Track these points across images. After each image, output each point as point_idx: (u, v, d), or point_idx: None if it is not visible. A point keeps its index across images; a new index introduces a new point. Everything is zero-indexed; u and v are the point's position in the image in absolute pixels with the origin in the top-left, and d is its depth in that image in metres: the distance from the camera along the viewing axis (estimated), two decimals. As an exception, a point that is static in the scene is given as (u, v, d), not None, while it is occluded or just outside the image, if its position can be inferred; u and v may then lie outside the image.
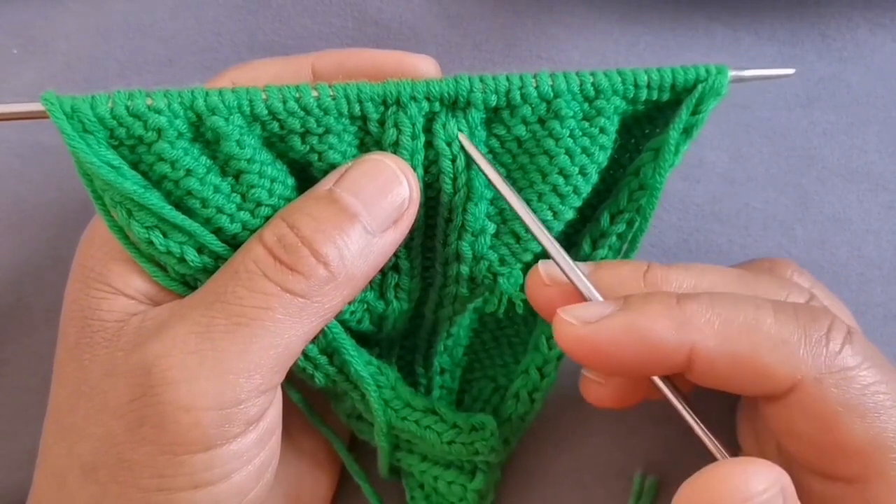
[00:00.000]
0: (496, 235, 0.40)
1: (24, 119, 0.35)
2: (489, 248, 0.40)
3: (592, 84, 0.37)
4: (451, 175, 0.38)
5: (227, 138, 0.35)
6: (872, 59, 0.51)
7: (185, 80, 0.51)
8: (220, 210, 0.36)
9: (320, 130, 0.37)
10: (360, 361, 0.41)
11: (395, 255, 0.40)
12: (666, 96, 0.38)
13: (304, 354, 0.40)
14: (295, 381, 0.43)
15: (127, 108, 0.34)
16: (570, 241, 0.43)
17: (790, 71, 0.40)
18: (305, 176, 0.39)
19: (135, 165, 0.36)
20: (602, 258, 0.41)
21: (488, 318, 0.47)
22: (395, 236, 0.37)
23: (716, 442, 0.34)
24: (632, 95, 0.38)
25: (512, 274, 0.41)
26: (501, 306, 0.42)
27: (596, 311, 0.34)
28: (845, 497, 0.33)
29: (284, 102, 0.36)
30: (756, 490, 0.29)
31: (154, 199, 0.35)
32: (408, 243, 0.41)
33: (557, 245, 0.37)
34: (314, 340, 0.40)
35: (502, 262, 0.40)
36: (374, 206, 0.36)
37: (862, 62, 0.51)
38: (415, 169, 0.38)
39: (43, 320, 0.49)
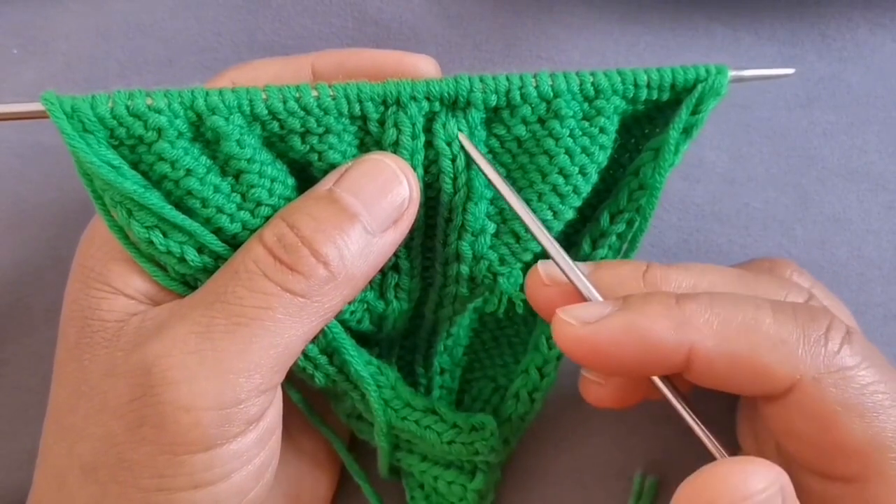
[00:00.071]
0: (496, 235, 0.40)
1: (24, 119, 0.35)
2: (489, 248, 0.40)
3: (592, 84, 0.37)
4: (451, 175, 0.38)
5: (228, 138, 0.35)
6: (872, 59, 0.51)
7: (185, 80, 0.51)
8: (220, 210, 0.36)
9: (320, 130, 0.37)
10: (360, 361, 0.41)
11: (395, 255, 0.40)
12: (666, 96, 0.38)
13: (304, 354, 0.40)
14: (295, 381, 0.43)
15: (127, 107, 0.34)
16: (570, 240, 0.43)
17: (790, 71, 0.40)
18: (305, 176, 0.39)
19: (135, 165, 0.36)
20: (602, 258, 0.41)
21: (488, 318, 0.47)
22: (395, 236, 0.37)
23: (715, 442, 0.34)
24: (632, 95, 0.38)
25: (512, 274, 0.41)
26: (501, 306, 0.42)
27: (595, 311, 0.34)
28: (844, 497, 0.33)
29: (284, 102, 0.36)
30: (755, 489, 0.29)
31: (154, 198, 0.35)
32: (408, 243, 0.41)
33: (557, 245, 0.37)
34: (314, 340, 0.40)
35: (502, 261, 0.40)
36: (374, 205, 0.36)
37: (862, 62, 0.51)
38: (415, 169, 0.38)
39: (43, 320, 0.49)
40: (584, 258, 0.41)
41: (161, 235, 0.36)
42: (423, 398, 0.43)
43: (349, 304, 0.40)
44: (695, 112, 0.38)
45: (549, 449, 0.47)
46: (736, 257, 0.49)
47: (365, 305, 0.41)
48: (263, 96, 0.36)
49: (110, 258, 0.37)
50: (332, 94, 0.36)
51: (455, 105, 0.37)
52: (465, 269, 0.41)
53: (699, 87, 0.38)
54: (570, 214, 0.40)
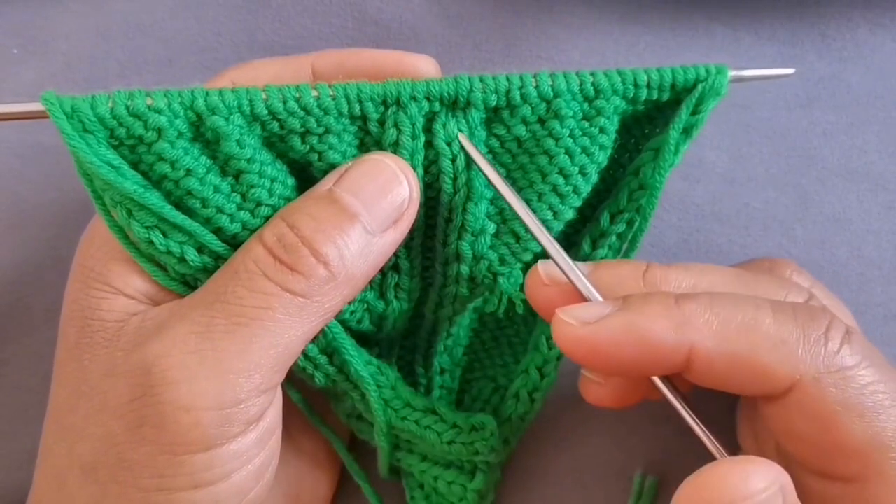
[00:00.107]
0: (496, 235, 0.40)
1: (24, 119, 0.35)
2: (489, 248, 0.40)
3: (592, 84, 0.37)
4: (451, 175, 0.38)
5: (227, 138, 0.35)
6: (872, 59, 0.51)
7: (185, 80, 0.51)
8: (220, 210, 0.36)
9: (320, 130, 0.37)
10: (360, 361, 0.41)
11: (395, 254, 0.40)
12: (666, 96, 0.38)
13: (304, 354, 0.40)
14: (295, 381, 0.43)
15: (127, 107, 0.34)
16: (570, 240, 0.43)
17: (790, 71, 0.40)
18: (305, 176, 0.39)
19: (135, 165, 0.36)
20: (602, 258, 0.41)
21: (488, 318, 0.47)
22: (395, 236, 0.37)
23: (715, 441, 0.34)
24: (632, 95, 0.38)
25: (512, 274, 0.41)
26: (501, 306, 0.42)
27: (595, 311, 0.34)
28: (844, 496, 0.33)
29: (284, 102, 0.36)
30: (755, 489, 0.29)
31: (154, 198, 0.35)
32: (408, 243, 0.41)
33: (557, 245, 0.37)
34: (314, 340, 0.40)
35: (502, 261, 0.40)
36: (374, 205, 0.36)
37: (862, 62, 0.51)
38: (415, 169, 0.38)
39: (43, 320, 0.49)
40: (584, 258, 0.41)
41: (161, 235, 0.36)
42: (423, 398, 0.43)
43: (349, 304, 0.40)
44: (695, 112, 0.38)
45: (549, 449, 0.47)
46: (736, 257, 0.49)
47: (365, 305, 0.41)
48: (263, 96, 0.36)
49: (110, 258, 0.37)
50: (332, 94, 0.36)
51: (455, 105, 0.37)
52: (465, 269, 0.41)
53: (699, 87, 0.38)
54: (570, 214, 0.40)
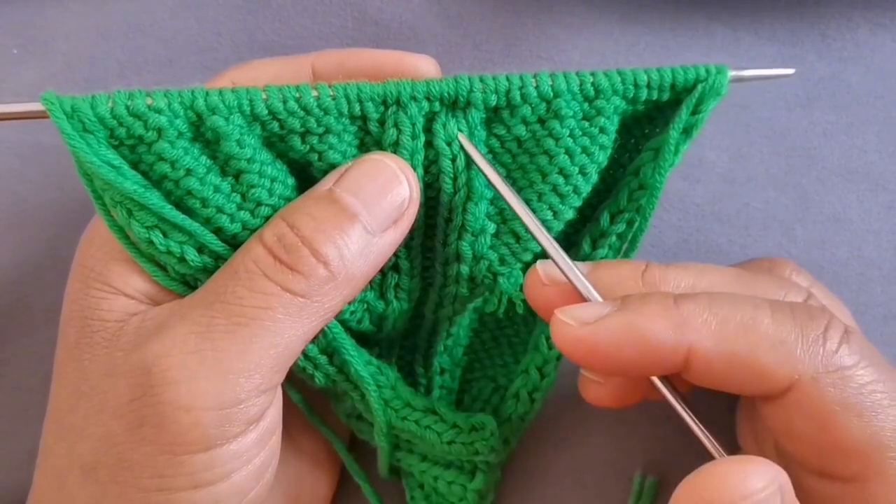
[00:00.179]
0: (496, 235, 0.40)
1: (24, 119, 0.35)
2: (489, 248, 0.40)
3: (592, 84, 0.37)
4: (451, 175, 0.38)
5: (227, 138, 0.35)
6: (872, 59, 0.51)
7: (185, 80, 0.51)
8: (220, 210, 0.36)
9: (320, 130, 0.37)
10: (360, 361, 0.41)
11: (395, 254, 0.40)
12: (666, 96, 0.38)
13: (304, 354, 0.40)
14: (295, 381, 0.43)
15: (127, 107, 0.34)
16: (570, 240, 0.43)
17: (790, 71, 0.40)
18: (305, 176, 0.39)
19: (135, 165, 0.36)
20: (602, 258, 0.41)
21: (488, 318, 0.47)
22: (395, 236, 0.37)
23: (714, 441, 0.34)
24: (632, 95, 0.38)
25: (512, 274, 0.41)
26: (501, 306, 0.42)
27: (593, 311, 0.34)
28: (844, 496, 0.33)
29: (284, 102, 0.36)
30: (754, 488, 0.29)
31: (154, 198, 0.35)
32: (408, 243, 0.41)
33: (556, 244, 0.37)
34: (314, 340, 0.40)
35: (502, 261, 0.40)
36: (374, 205, 0.36)
37: (862, 62, 0.51)
38: (415, 169, 0.38)
39: (43, 320, 0.49)
40: (584, 258, 0.41)
41: (161, 235, 0.36)
42: (423, 398, 0.43)
43: (349, 304, 0.40)
44: (695, 112, 0.38)
45: (549, 449, 0.47)
46: (736, 257, 0.49)
47: (365, 305, 0.41)
48: (263, 96, 0.36)
49: (110, 258, 0.37)
50: (332, 94, 0.36)
51: (455, 105, 0.37)
52: (465, 269, 0.41)
53: (699, 87, 0.38)
54: (570, 214, 0.40)
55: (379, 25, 0.51)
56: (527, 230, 0.38)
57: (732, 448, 0.35)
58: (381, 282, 0.42)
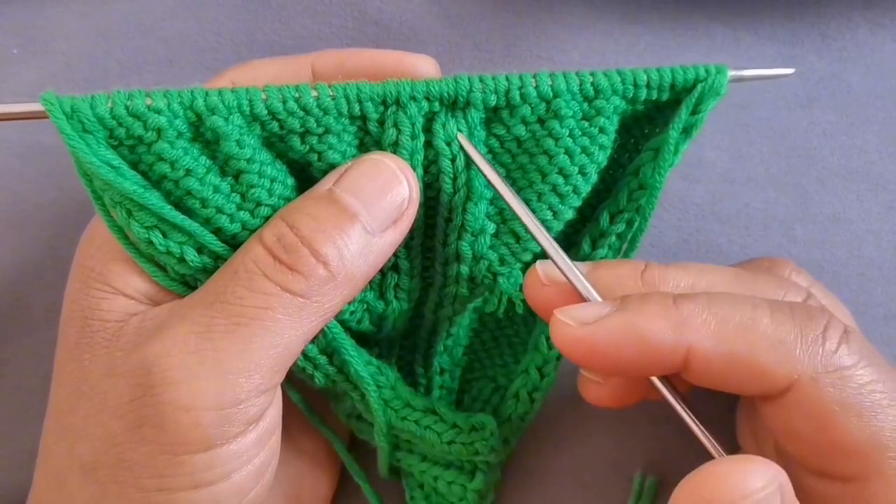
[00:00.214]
0: (496, 235, 0.40)
1: (24, 119, 0.35)
2: (489, 248, 0.40)
3: (592, 84, 0.37)
4: (451, 175, 0.38)
5: (227, 138, 0.35)
6: (872, 59, 0.51)
7: (185, 80, 0.51)
8: (219, 210, 0.36)
9: (320, 130, 0.37)
10: (359, 361, 0.41)
11: (395, 255, 0.40)
12: (665, 96, 0.38)
13: (304, 354, 0.40)
14: (295, 381, 0.43)
15: (126, 108, 0.34)
16: (570, 240, 0.43)
17: (790, 71, 0.40)
18: (305, 176, 0.39)
19: (134, 165, 0.36)
20: (601, 258, 0.41)
21: (488, 318, 0.47)
22: (394, 236, 0.37)
23: (713, 441, 0.34)
24: (631, 95, 0.38)
25: (512, 274, 0.41)
26: (501, 306, 0.42)
27: (593, 311, 0.34)
28: (843, 496, 0.33)
29: (284, 102, 0.36)
30: (754, 487, 0.29)
31: (154, 199, 0.35)
32: (408, 243, 0.41)
33: (555, 244, 0.37)
34: (314, 340, 0.40)
35: (502, 261, 0.40)
36: (373, 205, 0.36)
37: (862, 62, 0.51)
38: (414, 169, 0.38)
39: (43, 320, 0.49)
40: (584, 258, 0.41)
41: (161, 235, 0.36)
42: (422, 398, 0.43)
43: (349, 304, 0.40)
44: (694, 112, 0.38)
45: (549, 449, 0.47)
46: (736, 257, 0.49)
47: (365, 305, 0.41)
48: (263, 96, 0.36)
49: (110, 258, 0.37)
50: (331, 94, 0.36)
51: (455, 105, 0.37)
52: (464, 269, 0.41)
53: (699, 86, 0.38)
54: (569, 214, 0.40)
55: (379, 25, 0.51)
56: (526, 230, 0.38)
57: (732, 448, 0.35)
58: (380, 282, 0.42)
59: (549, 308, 0.35)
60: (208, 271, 0.37)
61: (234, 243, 0.37)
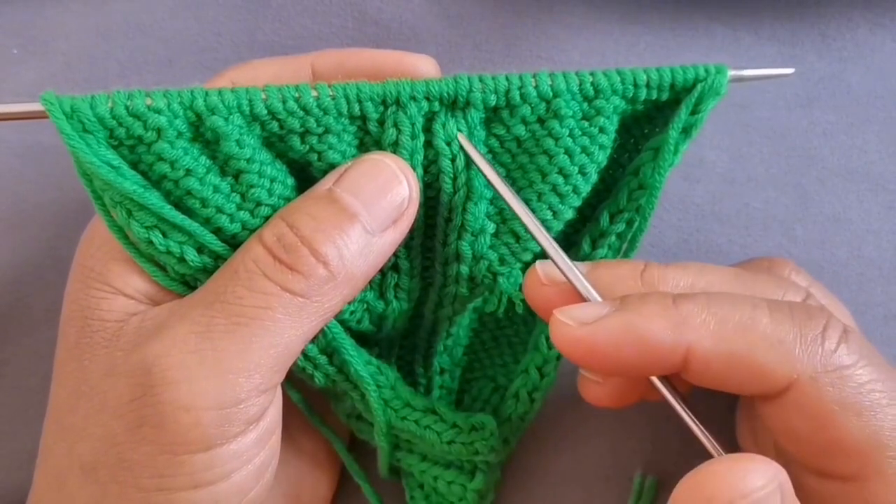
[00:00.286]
0: (496, 235, 0.40)
1: (24, 119, 0.35)
2: (489, 248, 0.40)
3: (592, 84, 0.37)
4: (451, 174, 0.38)
5: (227, 138, 0.36)
6: (872, 59, 0.51)
7: (185, 80, 0.51)
8: (219, 210, 0.36)
9: (320, 130, 0.37)
10: (359, 361, 0.41)
11: (395, 254, 0.40)
12: (665, 96, 0.38)
13: (304, 354, 0.40)
14: (295, 381, 0.43)
15: (126, 108, 0.34)
16: (570, 240, 0.43)
17: (790, 71, 0.40)
18: (305, 176, 0.39)
19: (134, 165, 0.36)
20: (601, 258, 0.41)
21: (488, 318, 0.47)
22: (394, 236, 0.37)
23: (713, 441, 0.34)
24: (631, 95, 0.38)
25: (512, 273, 0.41)
26: (501, 306, 0.42)
27: (592, 311, 0.34)
28: (843, 495, 0.33)
29: (284, 102, 0.36)
30: (754, 486, 0.29)
31: (154, 198, 0.35)
32: (407, 243, 0.41)
33: (555, 244, 0.37)
34: (314, 340, 0.40)
35: (502, 261, 0.40)
36: (373, 205, 0.36)
37: (862, 62, 0.51)
38: (414, 168, 0.38)
39: (43, 320, 0.49)
40: (584, 258, 0.41)
41: (161, 235, 0.36)
42: (422, 398, 0.43)
43: (349, 304, 0.40)
44: (694, 112, 0.38)
45: (549, 449, 0.47)
46: (736, 257, 0.49)
47: (365, 305, 0.41)
48: (263, 96, 0.36)
49: (110, 258, 0.37)
50: (331, 94, 0.36)
51: (454, 105, 0.37)
52: (464, 269, 0.41)
53: (699, 86, 0.38)
54: (569, 214, 0.40)
55: (379, 25, 0.51)
56: (526, 230, 0.38)
57: (732, 448, 0.35)
58: (380, 282, 0.42)
59: (548, 308, 0.35)
60: (208, 271, 0.37)
61: (234, 243, 0.37)
